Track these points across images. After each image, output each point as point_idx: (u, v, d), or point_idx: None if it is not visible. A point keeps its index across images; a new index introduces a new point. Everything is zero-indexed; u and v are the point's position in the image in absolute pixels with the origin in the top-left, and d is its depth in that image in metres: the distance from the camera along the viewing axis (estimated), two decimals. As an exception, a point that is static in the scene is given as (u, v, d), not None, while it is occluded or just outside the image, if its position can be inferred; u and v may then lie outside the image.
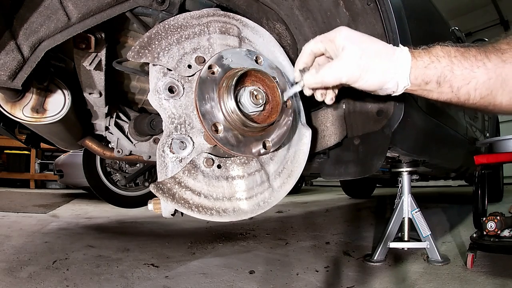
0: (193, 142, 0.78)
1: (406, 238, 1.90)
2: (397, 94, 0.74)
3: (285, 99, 0.83)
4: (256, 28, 0.96)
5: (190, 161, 0.77)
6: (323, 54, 0.79)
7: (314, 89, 0.82)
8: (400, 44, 0.73)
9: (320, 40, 0.76)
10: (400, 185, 1.98)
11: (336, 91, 0.83)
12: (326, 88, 0.81)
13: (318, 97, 0.82)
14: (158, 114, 0.79)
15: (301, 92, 0.87)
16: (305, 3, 1.05)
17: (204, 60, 0.81)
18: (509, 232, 1.70)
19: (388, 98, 1.12)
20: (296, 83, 0.83)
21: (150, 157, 1.62)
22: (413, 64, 0.69)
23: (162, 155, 0.76)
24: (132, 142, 1.56)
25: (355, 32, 0.72)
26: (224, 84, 0.77)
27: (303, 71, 0.80)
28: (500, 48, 0.66)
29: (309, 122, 1.09)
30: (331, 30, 0.76)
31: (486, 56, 0.66)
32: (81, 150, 2.77)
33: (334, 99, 0.84)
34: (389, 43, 0.74)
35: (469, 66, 0.66)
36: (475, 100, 0.68)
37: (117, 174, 3.05)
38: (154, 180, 2.58)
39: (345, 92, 1.17)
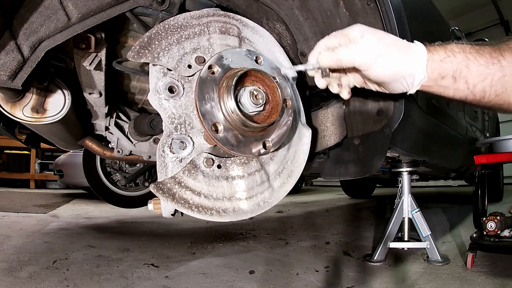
0: (193, 142, 0.78)
1: (406, 238, 1.90)
2: (412, 91, 0.74)
3: (295, 71, 0.83)
4: (256, 28, 0.96)
5: (190, 161, 0.77)
6: None
7: (329, 74, 0.79)
8: (414, 41, 0.73)
9: (334, 36, 0.76)
10: (400, 185, 1.98)
11: (352, 84, 0.83)
12: (340, 72, 0.81)
13: (335, 88, 0.82)
14: (158, 114, 0.79)
15: (303, 89, 0.86)
16: (305, 3, 1.05)
17: (204, 60, 0.81)
18: (509, 232, 1.70)
19: (388, 97, 1.12)
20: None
21: (150, 157, 1.62)
22: (429, 57, 0.69)
23: (162, 155, 0.76)
24: (132, 142, 1.56)
25: (370, 28, 0.73)
26: (224, 84, 0.77)
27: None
28: None
29: (309, 122, 1.09)
30: (332, 30, 0.76)
31: (500, 53, 0.67)
32: (81, 150, 2.77)
33: (350, 94, 0.83)
34: None
35: (484, 63, 0.66)
36: (490, 97, 0.69)
37: (117, 174, 3.05)
38: (154, 180, 2.58)
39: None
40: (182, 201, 0.75)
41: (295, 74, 0.92)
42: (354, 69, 0.76)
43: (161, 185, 0.74)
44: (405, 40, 0.72)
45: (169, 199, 0.74)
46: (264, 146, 0.82)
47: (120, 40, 1.11)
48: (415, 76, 0.70)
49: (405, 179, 1.96)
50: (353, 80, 0.83)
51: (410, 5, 1.39)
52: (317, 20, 1.07)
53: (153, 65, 0.79)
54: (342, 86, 0.83)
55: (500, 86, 0.67)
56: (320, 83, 0.81)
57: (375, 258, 1.86)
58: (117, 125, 1.50)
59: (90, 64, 1.02)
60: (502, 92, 0.67)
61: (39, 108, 1.01)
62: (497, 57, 0.66)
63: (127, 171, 3.08)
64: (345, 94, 0.83)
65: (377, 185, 5.95)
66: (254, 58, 0.86)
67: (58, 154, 6.12)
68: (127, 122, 1.51)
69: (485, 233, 1.74)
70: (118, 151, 1.54)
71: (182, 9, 0.93)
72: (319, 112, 1.23)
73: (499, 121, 4.35)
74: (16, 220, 3.19)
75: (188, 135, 0.78)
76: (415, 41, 0.73)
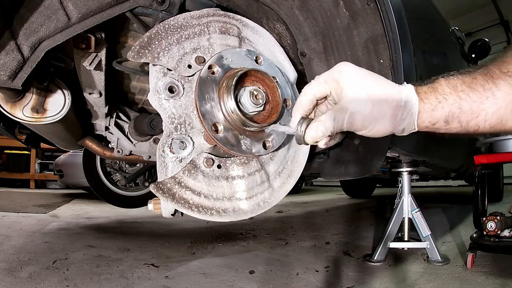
0: (193, 142, 0.78)
1: (406, 238, 1.90)
2: (402, 135, 0.70)
3: (274, 133, 0.77)
4: (256, 28, 0.96)
5: (190, 161, 0.77)
6: (325, 97, 0.70)
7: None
8: (404, 82, 0.68)
9: (324, 81, 0.68)
10: (400, 185, 1.98)
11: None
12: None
13: (322, 146, 0.72)
14: (158, 114, 0.79)
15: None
16: (305, 3, 1.05)
17: (204, 60, 0.81)
18: (509, 232, 1.70)
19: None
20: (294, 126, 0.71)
21: (150, 157, 1.62)
22: (420, 108, 0.65)
23: (162, 155, 0.76)
24: (132, 142, 1.55)
25: (359, 71, 0.66)
26: (224, 84, 0.77)
27: (302, 120, 0.69)
28: (507, 71, 0.62)
29: (309, 122, 1.09)
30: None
31: (494, 83, 0.62)
32: (81, 150, 2.77)
33: (337, 139, 0.79)
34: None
35: (478, 99, 0.63)
36: (484, 129, 0.66)
37: (117, 174, 3.05)
38: (154, 180, 2.57)
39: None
40: (182, 201, 0.75)
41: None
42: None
43: (161, 185, 0.74)
44: (395, 86, 0.66)
45: (169, 199, 0.74)
46: (264, 146, 0.82)
47: (120, 40, 1.11)
48: (405, 129, 0.67)
49: (405, 179, 1.96)
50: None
51: (410, 5, 1.39)
52: (317, 20, 1.07)
53: (153, 65, 0.79)
54: (329, 141, 0.72)
55: (495, 119, 0.63)
56: (307, 141, 0.70)
57: (375, 258, 1.86)
58: (117, 125, 1.50)
59: (90, 64, 1.02)
60: (497, 123, 0.64)
61: (39, 108, 1.01)
62: (491, 89, 0.62)
63: (127, 171, 3.08)
64: (322, 145, 0.72)
65: (377, 185, 5.95)
66: (254, 58, 0.86)
67: (58, 154, 6.12)
68: (127, 122, 1.51)
69: (485, 233, 1.74)
70: (118, 151, 1.54)
71: (182, 9, 0.93)
72: (319, 112, 1.23)
73: (499, 121, 4.34)
74: (16, 220, 3.19)
75: (188, 135, 0.78)
76: (405, 84, 0.67)
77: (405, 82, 0.68)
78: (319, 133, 0.66)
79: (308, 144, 0.70)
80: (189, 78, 0.80)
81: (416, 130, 0.67)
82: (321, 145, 0.71)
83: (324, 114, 0.66)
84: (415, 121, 0.65)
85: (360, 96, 0.64)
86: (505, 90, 0.62)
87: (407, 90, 0.66)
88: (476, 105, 0.63)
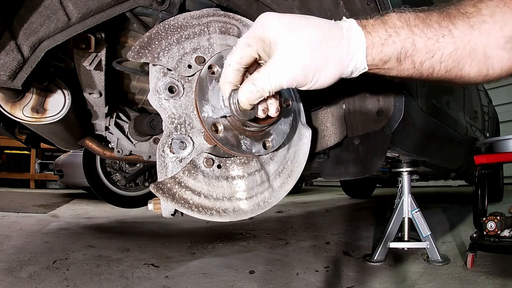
0: (193, 142, 0.78)
1: (406, 238, 1.90)
2: (351, 77, 0.61)
3: (208, 124, 0.72)
4: (256, 28, 0.96)
5: (190, 161, 0.77)
6: (256, 61, 0.61)
7: (255, 108, 0.65)
8: (344, 17, 0.59)
9: (247, 44, 0.58)
10: (400, 185, 1.98)
11: (278, 97, 0.67)
12: (266, 99, 0.63)
13: (260, 114, 0.66)
14: (158, 114, 0.79)
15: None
16: (305, 3, 1.05)
17: (204, 60, 0.81)
18: (509, 232, 1.70)
19: (388, 97, 1.12)
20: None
21: (150, 157, 1.62)
22: (368, 42, 0.56)
23: (162, 155, 0.76)
24: (132, 142, 1.55)
25: (286, 18, 0.56)
26: (224, 84, 0.77)
27: (233, 92, 0.63)
28: (466, 12, 0.56)
29: (309, 122, 1.09)
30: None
31: (451, 22, 0.56)
32: (81, 150, 2.77)
33: (279, 109, 0.68)
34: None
35: (433, 36, 0.55)
36: (439, 74, 0.59)
37: (117, 174, 3.05)
38: (154, 180, 2.57)
39: (345, 91, 1.17)
40: (182, 201, 0.75)
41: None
42: None
43: (161, 185, 0.74)
44: (333, 23, 0.57)
45: (169, 199, 0.74)
46: (264, 146, 0.82)
47: (120, 40, 1.11)
48: (353, 71, 0.58)
49: (405, 179, 1.96)
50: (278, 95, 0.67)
51: (410, 5, 1.39)
52: (317, 20, 1.07)
53: (153, 65, 0.79)
54: (268, 107, 0.67)
55: (452, 61, 0.57)
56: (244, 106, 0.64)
57: (375, 258, 1.86)
58: (117, 125, 1.50)
59: (90, 64, 1.02)
60: (454, 67, 0.58)
61: (39, 108, 1.01)
62: (447, 26, 0.56)
63: (127, 171, 3.08)
64: (274, 113, 0.67)
65: (377, 185, 5.95)
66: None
67: (58, 154, 6.12)
68: (127, 122, 1.51)
69: (485, 233, 1.74)
70: (118, 151, 1.54)
71: (182, 9, 0.93)
72: (319, 112, 1.23)
73: (499, 121, 4.35)
74: (16, 220, 3.19)
75: (188, 135, 0.78)
76: (345, 19, 0.58)
77: (344, 17, 0.59)
78: (253, 92, 0.57)
79: (247, 113, 0.63)
80: (189, 78, 0.80)
81: (366, 69, 0.58)
82: (260, 113, 0.64)
83: (256, 72, 0.58)
84: (364, 58, 0.57)
85: (294, 45, 0.54)
86: (463, 30, 0.56)
87: (348, 24, 0.57)
88: (431, 42, 0.56)
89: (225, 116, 0.76)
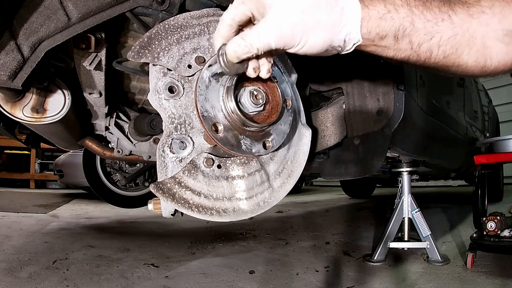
0: (193, 142, 0.78)
1: (406, 238, 1.90)
2: (346, 52, 0.61)
3: (198, 83, 0.73)
4: (256, 28, 0.96)
5: (190, 161, 0.77)
6: (250, 22, 0.63)
7: (244, 64, 0.64)
8: None
9: (241, 1, 0.60)
10: (400, 185, 1.98)
11: (271, 60, 0.67)
12: (258, 58, 0.64)
13: (251, 73, 0.65)
14: (158, 114, 0.79)
15: (303, 89, 0.82)
16: (305, 3, 1.05)
17: (204, 60, 0.81)
18: (509, 232, 1.70)
19: (388, 97, 1.12)
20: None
21: (150, 157, 1.62)
22: (365, 14, 0.55)
23: (162, 155, 0.76)
24: (132, 142, 1.55)
25: None
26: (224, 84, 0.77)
27: (222, 47, 0.63)
28: (466, 1, 0.58)
29: (309, 122, 1.09)
30: None
31: (451, 8, 0.57)
32: (81, 150, 2.77)
33: (271, 71, 0.67)
34: None
35: (433, 18, 0.56)
36: (437, 59, 0.59)
37: (117, 174, 3.05)
38: (154, 180, 2.58)
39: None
40: (182, 201, 0.75)
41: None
42: None
43: (161, 185, 0.74)
44: None
45: (169, 199, 0.74)
46: (264, 146, 0.82)
47: (120, 40, 1.11)
48: (346, 41, 0.57)
49: (405, 179, 1.96)
50: (274, 53, 0.66)
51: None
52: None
53: (153, 65, 0.79)
54: (259, 67, 0.66)
55: (450, 46, 0.57)
56: (229, 70, 0.65)
57: (375, 258, 1.86)
58: (117, 125, 1.50)
59: (90, 64, 1.02)
60: (452, 53, 0.58)
61: (39, 108, 1.01)
62: (447, 12, 0.56)
63: (127, 171, 3.08)
64: (264, 74, 0.67)
65: (377, 185, 5.95)
66: (254, 58, 0.85)
67: (58, 154, 6.12)
68: (127, 122, 1.51)
69: (485, 233, 1.74)
70: (118, 151, 1.54)
71: (182, 9, 0.93)
72: (319, 112, 1.23)
73: (499, 121, 4.35)
74: (16, 220, 3.19)
75: (188, 135, 0.78)
76: None
77: None
78: (241, 46, 0.57)
79: (234, 66, 0.62)
80: (189, 78, 0.80)
81: (360, 42, 0.57)
82: (250, 71, 0.64)
83: (248, 29, 0.60)
84: (358, 29, 0.56)
85: (286, 6, 0.55)
86: (462, 18, 0.56)
87: None
88: (430, 25, 0.56)
89: (225, 116, 0.76)
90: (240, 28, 0.63)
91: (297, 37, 0.55)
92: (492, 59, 0.59)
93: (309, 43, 0.56)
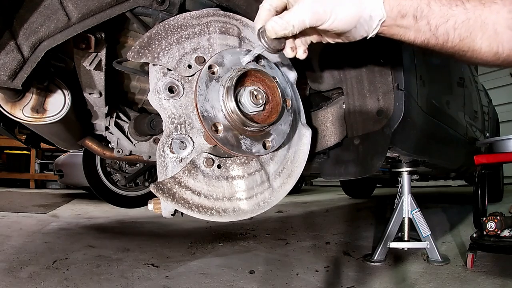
0: (193, 142, 0.78)
1: (406, 238, 1.90)
2: (373, 34, 0.67)
3: (249, 59, 0.79)
4: (256, 28, 0.96)
5: (190, 161, 0.77)
6: (285, 8, 0.70)
7: (282, 42, 0.71)
8: None
9: None
10: (400, 185, 1.98)
11: (308, 40, 0.75)
12: (294, 37, 0.72)
13: (289, 52, 0.73)
14: (158, 114, 0.79)
15: (303, 89, 0.83)
16: None
17: (204, 60, 0.81)
18: (509, 232, 1.70)
19: (388, 97, 1.12)
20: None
21: (150, 157, 1.62)
22: None
23: (162, 155, 0.76)
24: (132, 142, 1.55)
25: None
26: (224, 84, 0.77)
27: (262, 28, 0.70)
28: None
29: (309, 122, 1.09)
30: None
31: None
32: (81, 150, 2.77)
33: (307, 52, 0.74)
34: None
35: (447, 3, 0.62)
36: (454, 42, 0.64)
37: (117, 174, 3.05)
38: (154, 180, 2.57)
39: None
40: (182, 201, 0.75)
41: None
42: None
43: (161, 185, 0.74)
44: None
45: (169, 199, 0.74)
46: (264, 146, 0.82)
47: (120, 40, 1.11)
48: (373, 17, 0.64)
49: (405, 179, 1.96)
50: (309, 36, 0.74)
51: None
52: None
53: (153, 65, 0.79)
54: (296, 48, 0.74)
55: (465, 30, 0.63)
56: (272, 48, 0.72)
57: (375, 258, 1.86)
58: (117, 125, 1.50)
59: (90, 64, 1.02)
60: (467, 36, 0.63)
61: (39, 108, 1.01)
62: None
63: (127, 171, 3.08)
64: (301, 54, 0.74)
65: (377, 185, 5.95)
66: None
67: (58, 154, 6.11)
68: (127, 122, 1.51)
69: (485, 233, 1.74)
70: (118, 151, 1.54)
71: (182, 9, 0.93)
72: (319, 112, 1.23)
73: (499, 121, 4.35)
74: (16, 220, 3.19)
75: (188, 135, 0.78)
76: None
77: None
78: (279, 23, 0.65)
79: (274, 42, 0.69)
80: (189, 78, 0.80)
81: (385, 18, 0.64)
82: (288, 50, 0.72)
83: (285, 11, 0.67)
84: (382, 5, 0.63)
85: None
86: (474, 4, 0.62)
87: None
88: (445, 9, 0.62)
89: (225, 116, 0.76)
90: (277, 13, 0.70)
91: (328, 12, 0.62)
92: (504, 46, 0.64)
93: (339, 17, 0.63)
